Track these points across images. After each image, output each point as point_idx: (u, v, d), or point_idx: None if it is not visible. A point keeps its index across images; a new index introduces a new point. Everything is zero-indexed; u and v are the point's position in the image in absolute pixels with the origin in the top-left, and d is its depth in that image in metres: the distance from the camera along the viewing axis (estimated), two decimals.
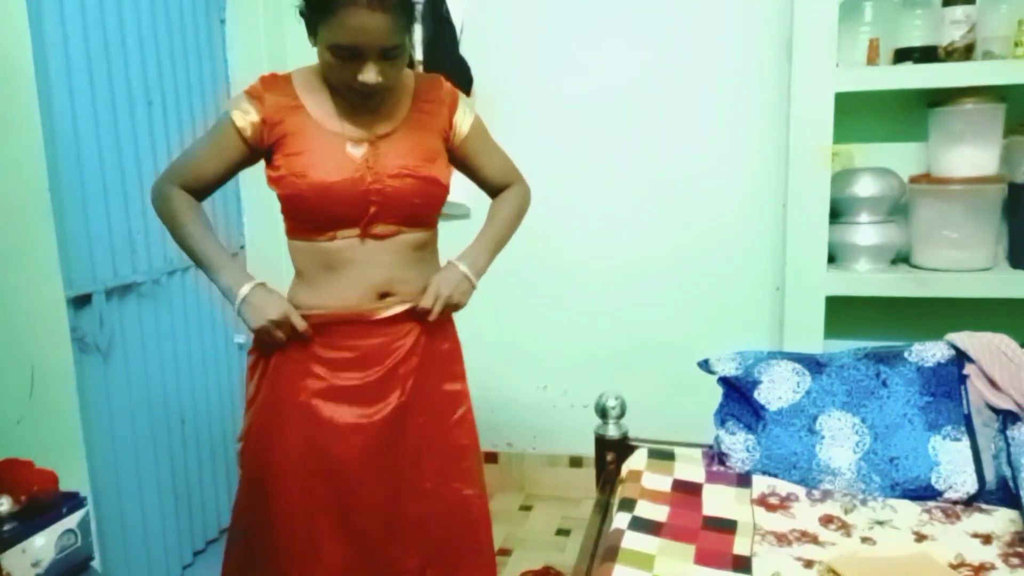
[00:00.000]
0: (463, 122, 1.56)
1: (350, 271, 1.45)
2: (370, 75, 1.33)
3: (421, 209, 1.48)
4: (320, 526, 1.49)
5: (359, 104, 1.41)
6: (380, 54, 1.32)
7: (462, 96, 1.58)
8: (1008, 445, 1.60)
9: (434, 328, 1.54)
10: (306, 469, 1.48)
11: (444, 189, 1.50)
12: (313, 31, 1.35)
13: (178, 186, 1.49)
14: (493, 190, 1.67)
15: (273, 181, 1.43)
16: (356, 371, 1.47)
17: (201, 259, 1.48)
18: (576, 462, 2.85)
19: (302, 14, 1.36)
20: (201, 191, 1.51)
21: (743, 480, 1.72)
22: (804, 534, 1.52)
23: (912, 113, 2.37)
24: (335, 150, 1.41)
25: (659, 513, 1.58)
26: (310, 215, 1.42)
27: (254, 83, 1.46)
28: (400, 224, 1.45)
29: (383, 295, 1.48)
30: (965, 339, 1.78)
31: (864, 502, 1.63)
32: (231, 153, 1.45)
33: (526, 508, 2.82)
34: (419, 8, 2.47)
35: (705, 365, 1.90)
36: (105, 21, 2.06)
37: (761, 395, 1.79)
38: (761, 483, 1.70)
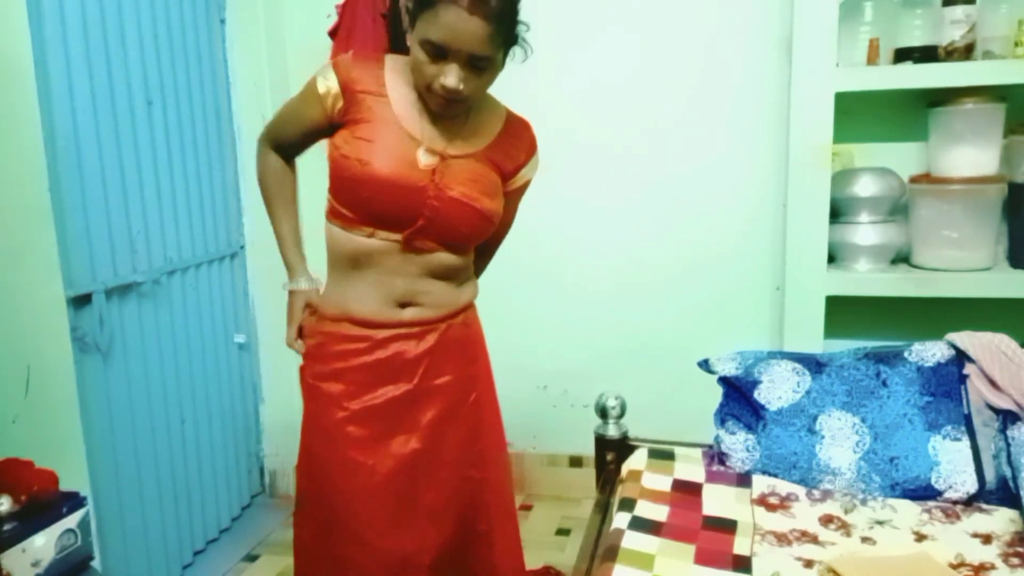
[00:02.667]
0: (523, 177, 1.56)
1: (375, 275, 1.44)
2: (451, 79, 1.30)
3: (466, 238, 1.47)
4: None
5: (439, 112, 1.39)
6: (467, 60, 1.30)
7: (537, 152, 1.58)
8: (1008, 445, 1.60)
9: (452, 320, 1.53)
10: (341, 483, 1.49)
11: (493, 226, 1.49)
12: (412, 24, 1.34)
13: (272, 147, 1.54)
14: (479, 245, 1.60)
15: (334, 159, 1.41)
16: (375, 388, 1.47)
17: (275, 236, 1.59)
18: (576, 462, 2.85)
19: (407, 6, 1.36)
20: (290, 151, 1.56)
21: (743, 480, 1.72)
22: (804, 534, 1.52)
23: (912, 113, 2.37)
24: (406, 151, 1.38)
25: (659, 513, 1.58)
26: (359, 205, 1.39)
27: (345, 56, 1.45)
28: (440, 245, 1.44)
29: (403, 305, 1.46)
30: (965, 339, 1.78)
31: (864, 502, 1.63)
32: (312, 117, 1.45)
33: (526, 508, 2.82)
34: None
35: (705, 365, 1.90)
36: (105, 21, 2.06)
37: (761, 395, 1.79)
38: (761, 483, 1.70)
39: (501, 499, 1.64)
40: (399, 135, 1.39)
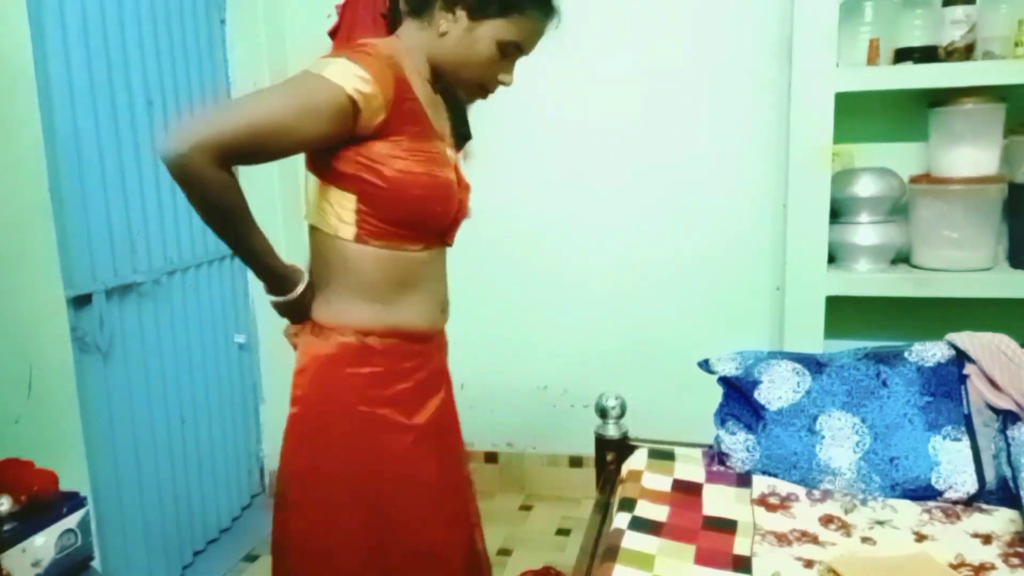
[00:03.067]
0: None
1: (424, 286, 1.37)
2: (510, 76, 1.32)
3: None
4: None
5: (469, 101, 1.39)
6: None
7: None
8: (1008, 445, 1.60)
9: None
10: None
11: None
12: (477, 20, 1.25)
13: (222, 164, 1.12)
14: None
15: (389, 179, 1.21)
16: (425, 401, 1.42)
17: (258, 251, 1.26)
18: (576, 462, 2.85)
19: (470, 4, 1.24)
20: (250, 162, 1.22)
21: (743, 480, 1.72)
22: (804, 534, 1.52)
23: (912, 113, 2.37)
24: (443, 151, 1.32)
25: (659, 513, 1.58)
26: (426, 219, 1.30)
27: (366, 55, 1.20)
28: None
29: (442, 309, 1.45)
30: (965, 339, 1.78)
31: (864, 502, 1.63)
32: (324, 132, 1.17)
33: (526, 508, 2.82)
34: None
35: (705, 365, 1.90)
36: (105, 21, 2.06)
37: (761, 395, 1.79)
38: (761, 483, 1.70)
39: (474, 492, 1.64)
40: (434, 136, 1.30)
